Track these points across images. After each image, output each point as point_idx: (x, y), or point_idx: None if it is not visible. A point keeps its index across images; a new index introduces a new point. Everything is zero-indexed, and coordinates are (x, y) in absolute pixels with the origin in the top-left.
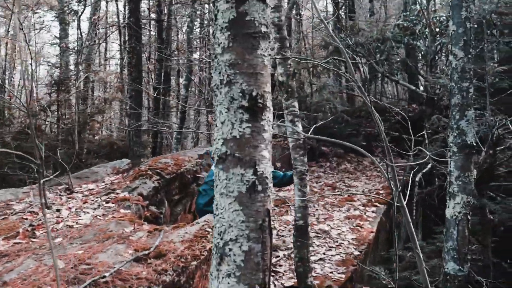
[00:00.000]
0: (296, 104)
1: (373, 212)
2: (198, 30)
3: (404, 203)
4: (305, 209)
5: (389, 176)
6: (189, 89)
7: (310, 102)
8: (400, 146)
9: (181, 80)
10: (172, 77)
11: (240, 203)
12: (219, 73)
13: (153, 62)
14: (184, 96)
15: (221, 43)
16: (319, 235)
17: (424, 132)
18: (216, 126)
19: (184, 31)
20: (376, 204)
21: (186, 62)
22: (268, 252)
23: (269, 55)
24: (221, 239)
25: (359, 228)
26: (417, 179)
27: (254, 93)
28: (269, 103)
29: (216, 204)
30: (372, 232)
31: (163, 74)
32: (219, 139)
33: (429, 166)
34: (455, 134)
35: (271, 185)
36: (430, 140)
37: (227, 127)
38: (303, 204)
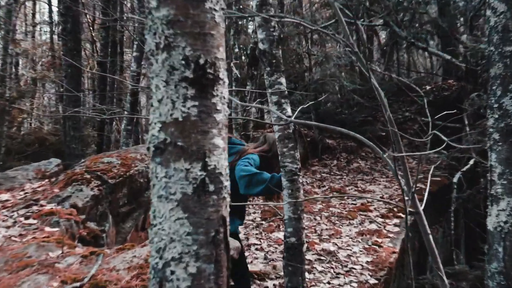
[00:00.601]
0: (283, 80)
1: (395, 225)
2: None
3: (421, 208)
4: (298, 221)
5: (397, 170)
6: (142, 64)
7: (309, 79)
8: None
9: (133, 53)
10: (126, 50)
11: (185, 209)
12: (154, 34)
13: (98, 28)
14: (135, 73)
15: None
16: (322, 258)
17: (463, 115)
18: (152, 105)
19: None
20: (400, 214)
21: (137, 26)
22: (223, 274)
23: (222, 9)
24: (160, 258)
25: (377, 247)
26: (455, 179)
27: (201, 61)
28: (222, 74)
29: (153, 211)
30: (394, 252)
31: (110, 44)
32: (155, 123)
33: (471, 161)
34: (496, 116)
35: (227, 183)
36: (471, 126)
37: (166, 106)
38: (295, 215)
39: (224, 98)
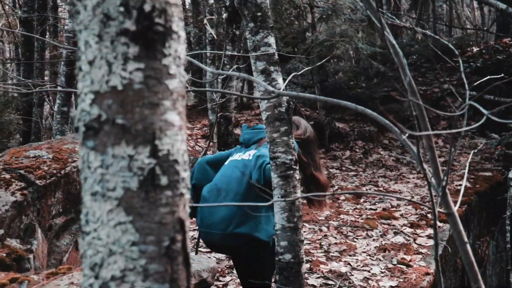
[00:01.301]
0: (271, 40)
1: (429, 237)
2: None
3: (455, 208)
4: (294, 232)
5: (421, 156)
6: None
7: (311, 41)
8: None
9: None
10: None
11: (128, 209)
12: None
13: None
14: (71, 34)
15: None
16: (330, 282)
17: None
18: (80, 70)
19: None
20: (437, 223)
21: None
22: None
23: None
24: (96, 278)
25: (404, 267)
26: (511, 174)
27: (147, 7)
28: (177, 25)
29: (85, 214)
30: (427, 274)
31: None
32: (86, 95)
33: None
34: None
35: (186, 174)
36: None
37: (99, 71)
38: (290, 223)
39: (180, 58)
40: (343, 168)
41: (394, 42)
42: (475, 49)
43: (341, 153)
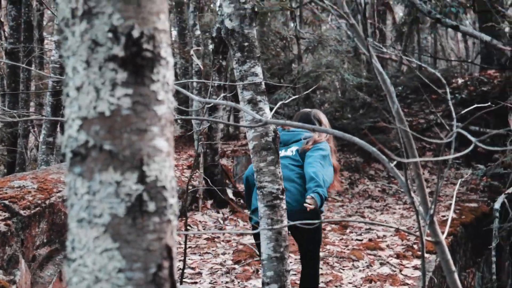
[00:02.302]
0: (258, 70)
1: (415, 268)
2: None
3: (443, 237)
4: (280, 262)
5: (407, 181)
6: None
7: (298, 72)
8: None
9: (55, 37)
10: (47, 36)
11: (115, 236)
12: None
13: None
14: (57, 64)
15: None
16: None
17: (509, 117)
18: (68, 96)
19: None
20: (424, 251)
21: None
22: None
23: None
24: None
25: None
26: (497, 205)
27: (135, 33)
28: (165, 51)
29: (71, 241)
30: None
31: (24, 26)
32: (73, 120)
33: None
34: None
35: (173, 200)
36: None
37: (87, 96)
38: (276, 253)
39: (168, 84)
40: (329, 199)
41: (381, 70)
42: (460, 81)
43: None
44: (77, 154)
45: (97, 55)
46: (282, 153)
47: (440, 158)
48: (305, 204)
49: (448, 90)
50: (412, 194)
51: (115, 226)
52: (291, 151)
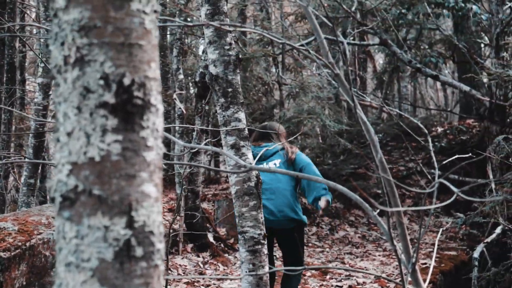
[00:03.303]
0: (242, 115)
1: None
2: None
3: (425, 285)
4: None
5: (390, 230)
6: (50, 92)
7: (280, 117)
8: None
9: (38, 79)
10: (29, 77)
11: (102, 280)
12: (62, 44)
13: None
14: (40, 106)
15: None
16: None
17: (488, 167)
18: (59, 141)
19: None
20: None
21: (44, 42)
22: None
23: (155, 11)
24: None
25: None
26: (476, 254)
27: (126, 80)
28: (155, 99)
29: (58, 285)
30: None
31: (6, 67)
32: (63, 165)
33: (498, 229)
34: None
35: (161, 246)
36: (498, 181)
37: (78, 142)
38: None
39: (157, 131)
40: (310, 244)
41: (365, 119)
42: (439, 129)
43: (308, 229)
44: (66, 199)
45: (88, 102)
46: (265, 166)
47: (423, 207)
48: (319, 207)
49: (429, 138)
50: (395, 242)
51: (102, 271)
52: (274, 163)
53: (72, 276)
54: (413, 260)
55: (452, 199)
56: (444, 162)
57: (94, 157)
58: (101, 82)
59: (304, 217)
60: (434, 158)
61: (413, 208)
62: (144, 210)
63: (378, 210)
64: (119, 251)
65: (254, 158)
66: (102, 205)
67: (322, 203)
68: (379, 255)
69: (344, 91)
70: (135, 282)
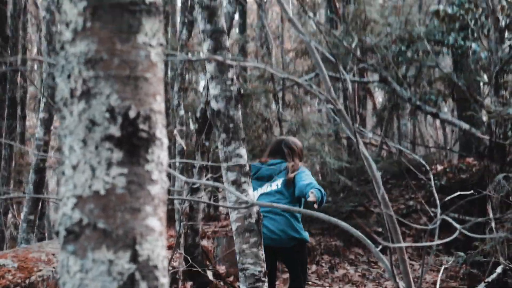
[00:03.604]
0: (243, 151)
1: None
2: None
3: None
4: None
5: (392, 267)
6: (52, 128)
7: None
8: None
9: (39, 114)
10: (28, 113)
11: None
12: (69, 77)
13: None
14: (41, 142)
15: (71, 21)
16: None
17: (488, 205)
18: (64, 174)
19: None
20: None
21: (46, 77)
22: None
23: (161, 45)
24: None
25: None
26: None
27: (132, 113)
28: (160, 132)
29: None
30: None
31: (7, 102)
32: (68, 199)
33: (499, 269)
34: None
35: (164, 280)
36: (499, 219)
37: (83, 175)
38: None
39: (162, 164)
40: (309, 283)
41: (367, 154)
42: (439, 167)
43: (308, 267)
44: (71, 232)
45: (94, 135)
46: (267, 188)
47: (426, 244)
48: (309, 199)
49: (431, 175)
50: (397, 279)
51: None
52: (276, 184)
53: None
54: None
55: (455, 235)
56: (446, 199)
57: (99, 190)
58: (107, 115)
59: (306, 235)
60: (436, 195)
61: (416, 245)
62: (148, 244)
63: (380, 247)
64: (123, 285)
65: (258, 178)
66: (107, 239)
67: (311, 197)
68: None
69: (346, 126)
70: None
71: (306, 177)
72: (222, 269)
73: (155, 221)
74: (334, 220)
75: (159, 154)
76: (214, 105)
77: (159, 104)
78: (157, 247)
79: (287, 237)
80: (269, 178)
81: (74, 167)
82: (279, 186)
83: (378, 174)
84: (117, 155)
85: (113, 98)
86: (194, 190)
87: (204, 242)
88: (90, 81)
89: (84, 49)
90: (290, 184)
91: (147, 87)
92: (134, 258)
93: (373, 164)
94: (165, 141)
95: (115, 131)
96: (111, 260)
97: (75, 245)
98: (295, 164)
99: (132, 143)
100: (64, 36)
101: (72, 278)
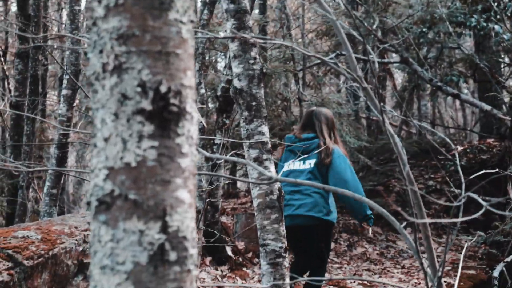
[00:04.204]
0: (265, 129)
1: None
2: None
3: None
4: None
5: (416, 243)
6: (74, 104)
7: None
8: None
9: (63, 91)
10: (49, 91)
11: (137, 283)
12: (101, 52)
13: (12, 56)
14: (64, 118)
15: None
16: None
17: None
18: (95, 146)
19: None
20: None
21: (69, 55)
22: None
23: (191, 21)
24: None
25: None
26: (496, 273)
27: (163, 88)
28: (190, 106)
29: (93, 287)
30: None
31: (29, 79)
32: (100, 170)
33: None
34: None
35: (194, 251)
36: None
37: (114, 147)
38: None
39: (192, 138)
40: (328, 260)
41: (393, 132)
42: (459, 148)
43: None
44: (102, 203)
45: (126, 108)
46: (300, 165)
47: (450, 220)
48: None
49: (456, 154)
50: (421, 256)
51: (137, 274)
52: (309, 163)
53: (107, 279)
54: (439, 273)
55: (480, 212)
56: (468, 179)
57: (131, 162)
58: (138, 89)
59: (333, 217)
60: (461, 172)
61: (441, 221)
62: (178, 216)
63: (404, 223)
64: (153, 255)
65: (293, 151)
66: (138, 210)
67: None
68: (398, 272)
69: (372, 105)
70: (169, 286)
71: (343, 171)
72: (241, 245)
73: (185, 193)
74: (358, 196)
75: (189, 128)
76: (236, 83)
77: (189, 79)
78: (186, 218)
79: (312, 218)
80: (302, 154)
81: (106, 140)
82: (312, 165)
83: (403, 152)
84: (148, 128)
85: (144, 73)
86: (214, 167)
87: (224, 219)
88: (122, 56)
89: (117, 24)
90: (322, 166)
91: (178, 63)
92: (164, 228)
93: (398, 142)
94: (195, 116)
95: (146, 105)
96: (142, 230)
97: (106, 215)
98: (327, 143)
99: (163, 117)
100: (97, 12)
101: (103, 247)
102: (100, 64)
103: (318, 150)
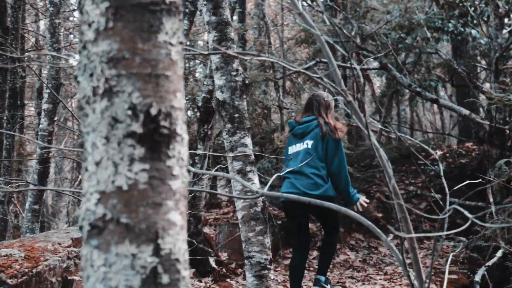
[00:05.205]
0: (248, 141)
1: None
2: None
3: None
4: None
5: (403, 255)
6: (55, 118)
7: (280, 141)
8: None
9: (43, 105)
10: (28, 102)
11: None
12: (91, 76)
13: None
14: (46, 132)
15: (93, 22)
16: None
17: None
18: (87, 170)
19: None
20: None
21: (49, 68)
22: None
23: (181, 43)
24: None
25: None
26: (477, 277)
27: (153, 110)
28: (181, 128)
29: None
30: None
31: (8, 92)
32: (91, 194)
33: (499, 253)
34: None
35: (186, 273)
36: (498, 204)
37: (106, 171)
38: None
39: (183, 160)
40: (311, 269)
41: (378, 146)
42: (438, 152)
43: (309, 253)
44: (94, 227)
45: (117, 132)
46: (299, 146)
47: (437, 234)
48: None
49: (438, 158)
50: (408, 269)
51: None
52: (306, 143)
53: None
54: (426, 285)
55: (466, 224)
56: (454, 188)
57: (122, 186)
58: (129, 112)
59: (331, 192)
60: (443, 179)
61: (427, 235)
62: (170, 238)
63: (391, 236)
64: (146, 278)
65: (295, 135)
66: (130, 233)
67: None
68: (380, 279)
69: (357, 118)
70: None
71: (337, 156)
72: (224, 256)
73: (177, 215)
74: (344, 209)
75: (180, 149)
76: (219, 95)
77: (179, 101)
78: (178, 240)
79: (309, 193)
80: (302, 136)
81: (97, 163)
82: (309, 146)
83: (389, 165)
84: (139, 151)
85: (135, 96)
86: (195, 177)
87: (206, 230)
88: (112, 80)
89: (107, 48)
90: (322, 143)
91: (168, 85)
92: (156, 251)
93: (384, 155)
94: (185, 137)
95: (137, 127)
96: (134, 254)
97: (98, 240)
98: (327, 122)
99: (154, 139)
100: (86, 36)
101: (96, 272)
102: (91, 88)
103: (315, 127)
